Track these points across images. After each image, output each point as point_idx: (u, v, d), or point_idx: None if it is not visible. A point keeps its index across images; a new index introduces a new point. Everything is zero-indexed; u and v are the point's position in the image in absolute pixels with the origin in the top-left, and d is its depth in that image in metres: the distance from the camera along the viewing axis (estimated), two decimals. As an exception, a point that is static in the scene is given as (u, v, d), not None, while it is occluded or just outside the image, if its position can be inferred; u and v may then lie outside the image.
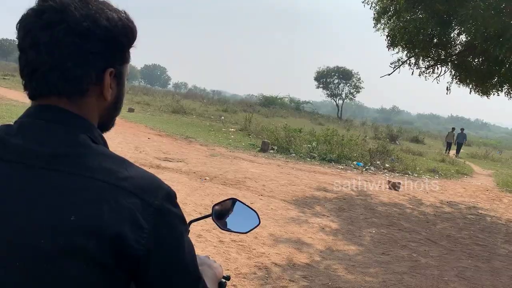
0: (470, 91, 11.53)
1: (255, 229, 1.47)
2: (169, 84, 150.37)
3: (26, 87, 0.82)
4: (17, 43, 0.82)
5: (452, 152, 25.91)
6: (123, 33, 0.85)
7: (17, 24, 0.81)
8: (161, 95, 44.65)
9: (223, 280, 1.25)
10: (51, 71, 0.78)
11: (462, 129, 27.81)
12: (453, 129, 28.10)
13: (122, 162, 0.81)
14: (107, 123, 0.93)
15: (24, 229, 0.71)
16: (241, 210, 1.47)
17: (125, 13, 0.86)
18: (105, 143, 0.86)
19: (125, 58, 0.89)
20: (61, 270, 0.71)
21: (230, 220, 1.45)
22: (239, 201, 1.47)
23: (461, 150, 26.77)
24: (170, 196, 0.81)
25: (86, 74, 0.81)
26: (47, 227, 0.71)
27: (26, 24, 0.79)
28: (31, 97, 0.83)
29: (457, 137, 26.91)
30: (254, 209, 1.49)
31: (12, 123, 0.81)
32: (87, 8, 0.79)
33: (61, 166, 0.75)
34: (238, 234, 1.50)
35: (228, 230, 1.47)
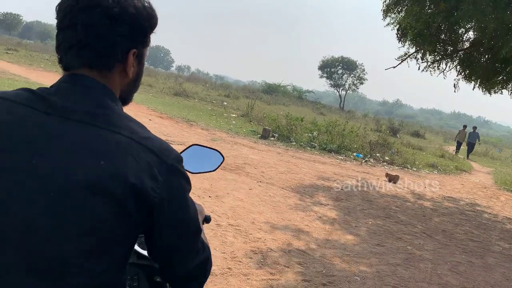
0: (474, 87, 11.50)
1: (221, 165, 1.61)
2: (172, 66, 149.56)
3: (61, 60, 0.97)
4: (56, 23, 0.96)
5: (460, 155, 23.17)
6: (146, 19, 0.99)
7: (57, 6, 0.95)
8: (164, 77, 44.47)
9: (208, 215, 1.43)
10: (85, 48, 0.93)
11: (474, 128, 24.89)
12: (465, 127, 25.15)
13: (142, 126, 0.97)
14: (126, 98, 1.07)
15: (62, 166, 0.85)
16: (204, 153, 1.61)
17: (148, 2, 1.00)
18: (118, 108, 0.99)
19: (146, 41, 1.04)
20: (88, 205, 0.84)
21: (197, 164, 1.56)
22: (199, 145, 1.61)
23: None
24: (179, 159, 0.98)
25: (113, 52, 0.95)
26: (81, 167, 0.85)
27: (66, 6, 0.93)
28: (65, 69, 0.98)
29: (468, 136, 24.18)
30: (216, 148, 1.62)
31: (48, 87, 0.96)
32: None
33: (93, 121, 0.89)
34: (208, 173, 1.60)
35: (198, 172, 1.59)
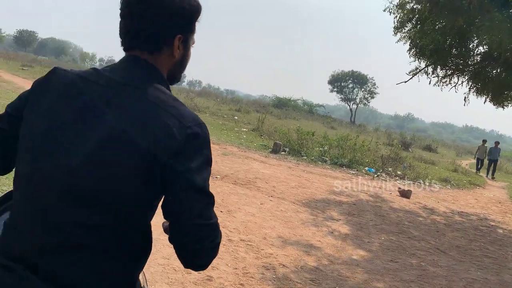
0: (485, 101, 11.43)
1: None
2: (184, 81, 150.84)
3: (122, 44, 1.20)
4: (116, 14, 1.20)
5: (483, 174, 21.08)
6: (192, 9, 1.20)
7: None
8: (176, 92, 44.85)
9: None
10: (139, 33, 1.16)
11: (496, 143, 21.63)
12: (484, 141, 22.90)
13: (175, 99, 1.15)
14: (173, 77, 1.27)
15: (104, 124, 1.06)
16: None
17: None
18: (168, 87, 1.20)
19: (191, 29, 1.24)
20: (118, 155, 1.04)
21: None
22: None
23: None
24: (202, 126, 1.13)
25: (162, 37, 1.17)
26: (119, 127, 1.05)
27: None
28: (124, 50, 1.21)
29: (489, 153, 21.46)
30: None
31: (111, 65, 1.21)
32: None
33: (132, 92, 1.11)
34: None
35: None
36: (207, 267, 1.15)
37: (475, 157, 22.76)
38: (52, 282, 1.02)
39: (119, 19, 1.20)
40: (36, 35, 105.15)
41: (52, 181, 1.05)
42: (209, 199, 1.11)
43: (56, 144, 1.07)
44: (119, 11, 1.19)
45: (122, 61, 1.19)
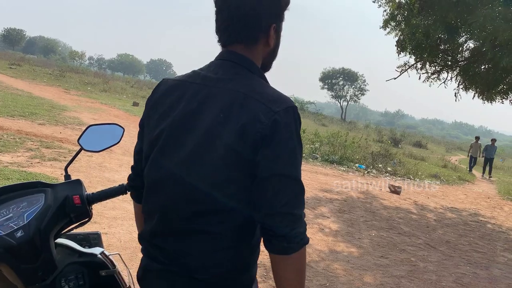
0: (474, 97, 11.53)
1: (123, 135, 1.67)
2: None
3: (219, 39, 1.25)
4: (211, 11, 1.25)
5: (477, 172, 19.96)
6: (281, 3, 1.24)
7: None
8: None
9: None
10: (236, 26, 1.19)
11: (493, 141, 20.26)
12: (477, 138, 20.97)
13: (265, 85, 1.20)
14: (267, 65, 1.32)
15: (199, 117, 1.14)
16: (104, 130, 1.66)
17: None
18: (261, 76, 1.25)
19: (282, 17, 1.26)
20: (214, 144, 1.10)
21: (100, 142, 1.62)
22: (96, 124, 1.65)
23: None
24: (289, 110, 1.12)
25: (258, 27, 1.20)
26: (209, 119, 1.12)
27: None
28: (222, 46, 1.25)
29: (484, 150, 20.04)
30: (112, 122, 1.68)
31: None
32: None
33: (225, 85, 1.16)
34: (115, 146, 1.61)
35: (104, 149, 1.63)
36: (299, 248, 1.10)
37: (468, 155, 21.04)
38: (175, 262, 1.17)
39: (215, 16, 1.24)
40: (24, 33, 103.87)
41: (169, 177, 1.17)
42: (298, 187, 1.11)
43: (168, 146, 1.18)
44: (214, 9, 1.25)
45: (218, 57, 1.25)
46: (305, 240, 1.11)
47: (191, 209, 1.14)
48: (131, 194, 1.44)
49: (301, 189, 1.11)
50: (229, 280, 1.17)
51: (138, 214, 1.42)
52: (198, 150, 1.12)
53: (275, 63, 1.35)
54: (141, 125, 1.32)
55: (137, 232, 1.33)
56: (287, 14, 1.27)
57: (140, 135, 1.32)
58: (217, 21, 1.24)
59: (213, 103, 1.14)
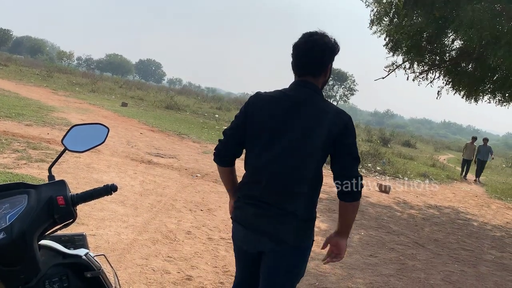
0: (456, 93, 11.64)
1: (108, 135, 1.67)
2: (164, 79, 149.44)
3: (296, 72, 2.04)
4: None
5: (470, 178, 17.65)
6: (336, 47, 2.03)
7: (294, 45, 2.02)
8: (155, 90, 44.44)
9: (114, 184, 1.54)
10: (310, 66, 2.00)
11: (485, 140, 17.74)
12: (474, 139, 18.04)
13: (330, 103, 2.01)
14: (322, 88, 2.10)
15: (296, 125, 1.94)
16: (88, 130, 1.65)
17: (334, 39, 2.02)
18: (321, 94, 2.04)
19: (334, 58, 2.05)
20: (310, 141, 1.92)
21: (84, 142, 1.61)
22: (80, 124, 1.64)
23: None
24: (351, 118, 1.97)
25: (324, 66, 2.02)
26: (305, 126, 1.93)
27: (300, 45, 2.00)
28: (298, 76, 2.04)
29: (477, 152, 17.51)
30: (96, 122, 1.67)
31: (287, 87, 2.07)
32: (328, 39, 1.99)
33: (305, 103, 1.95)
34: (103, 146, 1.60)
35: (89, 149, 1.62)
36: (359, 198, 2.07)
37: (462, 156, 18.36)
38: (277, 208, 1.97)
39: (293, 57, 2.04)
40: (11, 33, 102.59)
41: (277, 156, 1.96)
42: (358, 161, 1.98)
43: (273, 137, 1.96)
44: (291, 52, 2.04)
45: (297, 84, 2.02)
46: (361, 193, 2.03)
47: (294, 177, 1.96)
48: (219, 161, 2.19)
49: (359, 162, 1.99)
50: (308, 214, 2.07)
51: (225, 172, 2.25)
52: (299, 141, 1.94)
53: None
54: (244, 112, 2.05)
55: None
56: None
57: (241, 115, 2.06)
58: (296, 59, 2.01)
59: (306, 114, 1.94)
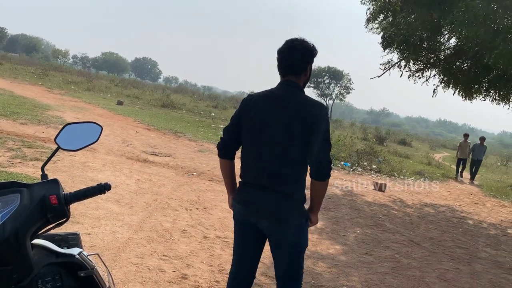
0: (454, 93, 11.68)
1: (102, 133, 1.68)
2: (160, 78, 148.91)
3: (280, 73, 2.40)
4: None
5: (466, 176, 17.03)
6: (314, 50, 2.38)
7: (278, 50, 2.38)
8: (151, 88, 44.33)
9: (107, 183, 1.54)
10: (292, 67, 2.35)
11: (482, 140, 16.87)
12: (466, 136, 17.17)
13: (309, 98, 2.33)
14: (304, 86, 2.43)
15: (279, 116, 2.28)
16: (81, 128, 1.65)
17: (313, 44, 2.37)
18: (304, 92, 2.38)
19: (313, 60, 2.40)
20: (290, 129, 2.26)
21: (78, 141, 1.61)
22: (73, 123, 1.64)
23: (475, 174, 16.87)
24: (325, 108, 2.35)
25: (304, 67, 2.37)
26: (286, 115, 2.27)
27: (282, 51, 2.37)
28: (281, 76, 2.40)
29: (472, 151, 16.67)
30: (90, 120, 1.68)
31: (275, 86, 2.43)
32: (307, 44, 2.35)
33: (287, 99, 2.30)
34: (98, 145, 1.61)
35: (82, 147, 1.62)
36: (327, 178, 2.33)
37: (456, 156, 17.43)
38: (273, 190, 2.32)
39: (278, 60, 2.37)
40: (6, 31, 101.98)
41: (266, 144, 2.30)
42: (329, 146, 2.27)
43: (262, 130, 2.30)
44: (276, 56, 2.38)
45: (282, 83, 2.37)
46: (330, 174, 2.32)
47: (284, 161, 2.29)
48: (220, 154, 2.53)
49: (330, 148, 2.28)
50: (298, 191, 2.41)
51: (225, 164, 2.55)
52: (284, 130, 2.26)
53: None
54: (238, 112, 2.43)
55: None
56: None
57: (236, 116, 2.45)
58: (280, 63, 2.36)
59: (287, 108, 2.26)
